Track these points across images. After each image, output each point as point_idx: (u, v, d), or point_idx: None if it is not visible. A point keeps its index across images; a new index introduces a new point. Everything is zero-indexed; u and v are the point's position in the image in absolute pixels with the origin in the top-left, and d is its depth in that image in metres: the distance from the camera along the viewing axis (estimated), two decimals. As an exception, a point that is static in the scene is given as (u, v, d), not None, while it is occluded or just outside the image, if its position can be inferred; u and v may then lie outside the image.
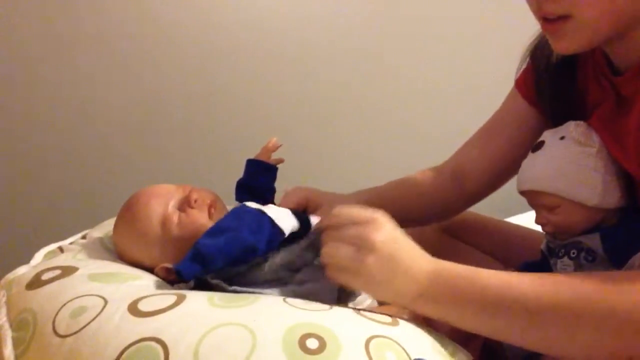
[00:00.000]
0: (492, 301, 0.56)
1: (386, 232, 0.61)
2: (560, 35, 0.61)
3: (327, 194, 0.86)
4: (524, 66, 0.82)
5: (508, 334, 0.58)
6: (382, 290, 0.60)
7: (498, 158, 0.86)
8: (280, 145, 0.94)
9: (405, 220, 0.89)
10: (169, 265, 0.72)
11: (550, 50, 0.65)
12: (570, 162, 0.69)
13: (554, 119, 0.77)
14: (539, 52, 0.77)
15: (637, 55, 0.62)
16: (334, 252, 0.61)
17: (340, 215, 0.63)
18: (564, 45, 0.62)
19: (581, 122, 0.71)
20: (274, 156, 0.93)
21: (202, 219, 0.75)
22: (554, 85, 0.76)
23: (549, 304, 0.54)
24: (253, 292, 0.64)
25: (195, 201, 0.75)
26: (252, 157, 0.93)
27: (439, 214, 0.95)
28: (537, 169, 0.72)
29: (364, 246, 0.59)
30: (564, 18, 0.59)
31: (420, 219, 0.92)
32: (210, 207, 0.76)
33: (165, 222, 0.73)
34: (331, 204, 0.80)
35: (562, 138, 0.71)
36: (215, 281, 0.67)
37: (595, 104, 0.72)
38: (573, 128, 0.71)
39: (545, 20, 0.61)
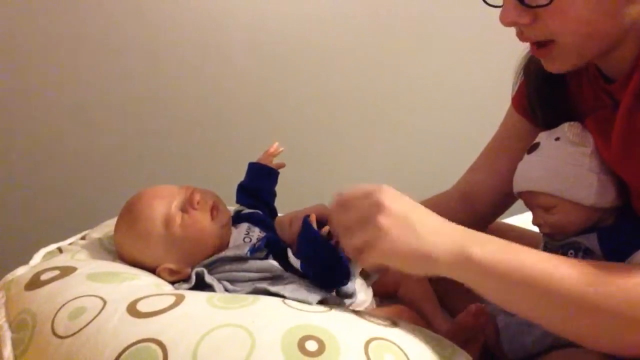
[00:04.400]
0: (537, 280, 0.55)
1: (394, 196, 0.59)
2: (549, 58, 0.63)
3: None
4: (519, 82, 0.83)
5: (548, 319, 0.57)
6: (413, 252, 0.57)
7: (504, 177, 0.85)
8: (282, 150, 0.94)
9: None
10: (172, 266, 0.72)
11: (540, 64, 0.67)
12: (566, 163, 0.70)
13: (548, 129, 0.78)
14: (530, 67, 0.78)
15: (625, 65, 0.63)
16: (349, 235, 0.60)
17: (344, 195, 0.62)
18: (555, 66, 0.64)
19: (575, 123, 0.72)
20: (276, 161, 0.94)
21: (205, 221, 0.75)
22: (545, 97, 0.77)
23: (601, 294, 0.53)
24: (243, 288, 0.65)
25: (198, 202, 0.75)
26: (253, 159, 0.93)
27: None
28: (533, 170, 0.73)
29: (372, 211, 0.57)
30: (549, 42, 0.60)
31: None
32: (212, 208, 0.76)
33: (168, 222, 0.73)
34: None
35: (557, 139, 0.72)
36: (208, 281, 0.67)
37: (591, 111, 0.72)
38: (568, 129, 0.71)
39: (533, 44, 0.63)
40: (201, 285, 0.68)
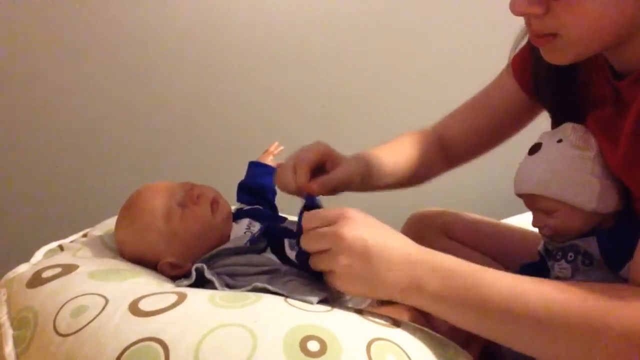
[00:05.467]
0: (498, 307, 0.55)
1: (356, 227, 0.60)
2: (550, 50, 0.62)
3: (341, 155, 0.85)
4: (522, 45, 0.80)
5: (513, 341, 0.57)
6: (369, 287, 0.60)
7: (480, 133, 0.89)
8: (282, 149, 0.95)
9: (392, 182, 0.91)
10: (173, 260, 0.72)
11: None
12: (568, 166, 0.69)
13: (554, 114, 0.77)
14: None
15: (635, 62, 0.62)
16: (314, 261, 0.63)
17: (311, 220, 0.64)
18: (555, 58, 0.63)
19: (579, 126, 0.71)
20: (276, 160, 0.94)
21: (205, 215, 0.75)
22: (554, 81, 0.75)
23: (561, 316, 0.53)
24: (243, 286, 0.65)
25: (198, 197, 0.75)
26: (253, 158, 0.94)
27: (421, 177, 0.96)
28: (535, 172, 0.72)
29: (335, 247, 0.60)
30: (552, 34, 0.59)
31: (404, 180, 0.93)
32: (212, 202, 0.76)
33: (168, 217, 0.73)
34: (345, 165, 0.82)
35: (559, 141, 0.71)
36: (208, 276, 0.67)
37: (597, 100, 0.71)
38: (571, 131, 0.70)
39: (534, 34, 0.61)
40: (201, 281, 0.68)
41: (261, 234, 0.74)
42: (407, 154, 0.93)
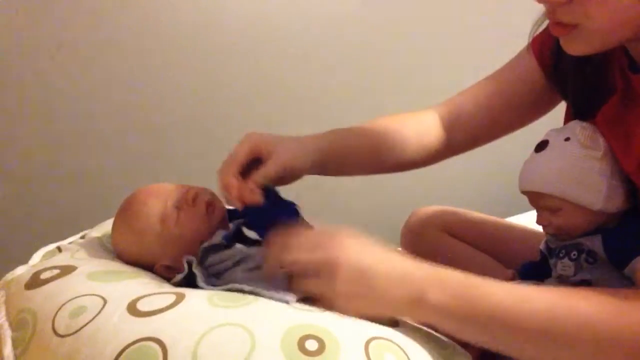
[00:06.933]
0: (502, 316, 0.54)
1: (350, 248, 0.59)
2: (570, 40, 0.60)
3: (278, 140, 0.77)
4: (543, 26, 0.78)
5: (517, 351, 0.56)
6: (369, 306, 0.58)
7: (493, 117, 0.85)
8: None
9: (382, 165, 0.88)
10: (169, 263, 0.72)
11: None
12: (575, 165, 0.68)
13: (573, 100, 0.76)
14: None
15: None
16: (307, 285, 0.60)
17: (298, 244, 0.62)
18: (574, 48, 0.61)
19: (587, 124, 0.70)
20: None
21: (201, 217, 0.75)
22: (577, 61, 0.73)
23: (565, 323, 0.52)
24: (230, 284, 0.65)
25: (194, 200, 0.75)
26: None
27: (420, 161, 0.91)
28: (541, 170, 0.71)
29: (327, 269, 0.58)
30: (573, 25, 0.58)
31: (400, 164, 0.90)
32: (208, 205, 0.76)
33: (164, 220, 0.73)
34: (282, 150, 0.75)
35: (567, 139, 0.70)
36: (194, 270, 0.67)
37: (609, 89, 0.70)
38: (579, 130, 0.69)
39: (555, 23, 0.60)
40: (193, 275, 0.68)
41: (234, 231, 0.73)
42: (408, 135, 0.87)
